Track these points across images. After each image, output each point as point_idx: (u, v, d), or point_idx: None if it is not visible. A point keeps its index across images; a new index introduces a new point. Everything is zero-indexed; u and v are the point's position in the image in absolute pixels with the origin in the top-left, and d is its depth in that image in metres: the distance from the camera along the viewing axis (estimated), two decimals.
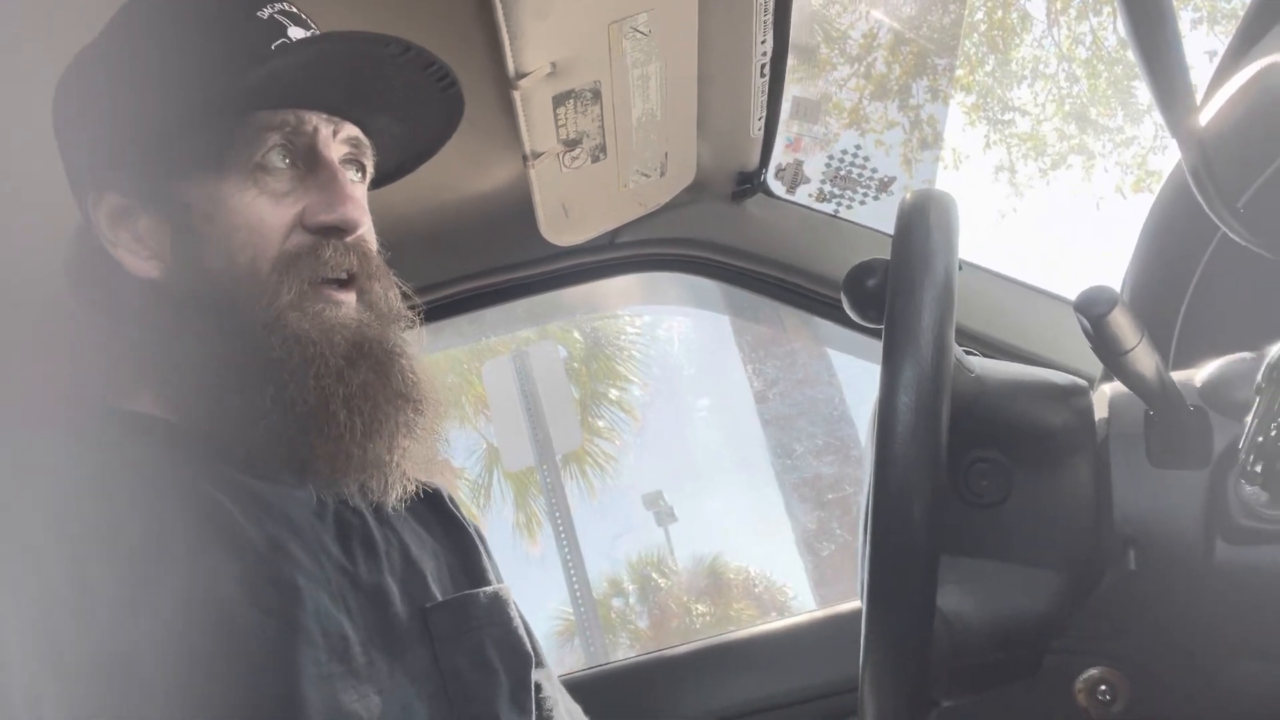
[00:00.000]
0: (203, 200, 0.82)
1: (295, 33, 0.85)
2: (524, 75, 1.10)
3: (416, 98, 0.90)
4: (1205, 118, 0.80)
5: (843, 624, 1.44)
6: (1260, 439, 0.60)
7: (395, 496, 0.85)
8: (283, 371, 0.80)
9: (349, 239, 0.85)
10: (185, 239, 0.83)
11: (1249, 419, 0.61)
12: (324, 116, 0.86)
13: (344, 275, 0.85)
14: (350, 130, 0.88)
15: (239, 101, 0.82)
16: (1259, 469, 0.60)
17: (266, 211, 0.83)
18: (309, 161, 0.85)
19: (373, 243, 0.90)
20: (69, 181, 0.88)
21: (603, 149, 1.30)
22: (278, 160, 0.83)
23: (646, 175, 1.41)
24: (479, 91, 1.18)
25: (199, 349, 0.81)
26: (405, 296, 0.91)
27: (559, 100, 1.19)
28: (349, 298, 0.85)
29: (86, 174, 0.86)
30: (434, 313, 1.54)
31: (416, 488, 0.90)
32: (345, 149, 0.88)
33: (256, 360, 0.80)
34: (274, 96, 0.83)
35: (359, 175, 0.90)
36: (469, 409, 9.27)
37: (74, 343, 0.85)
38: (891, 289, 0.62)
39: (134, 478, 0.76)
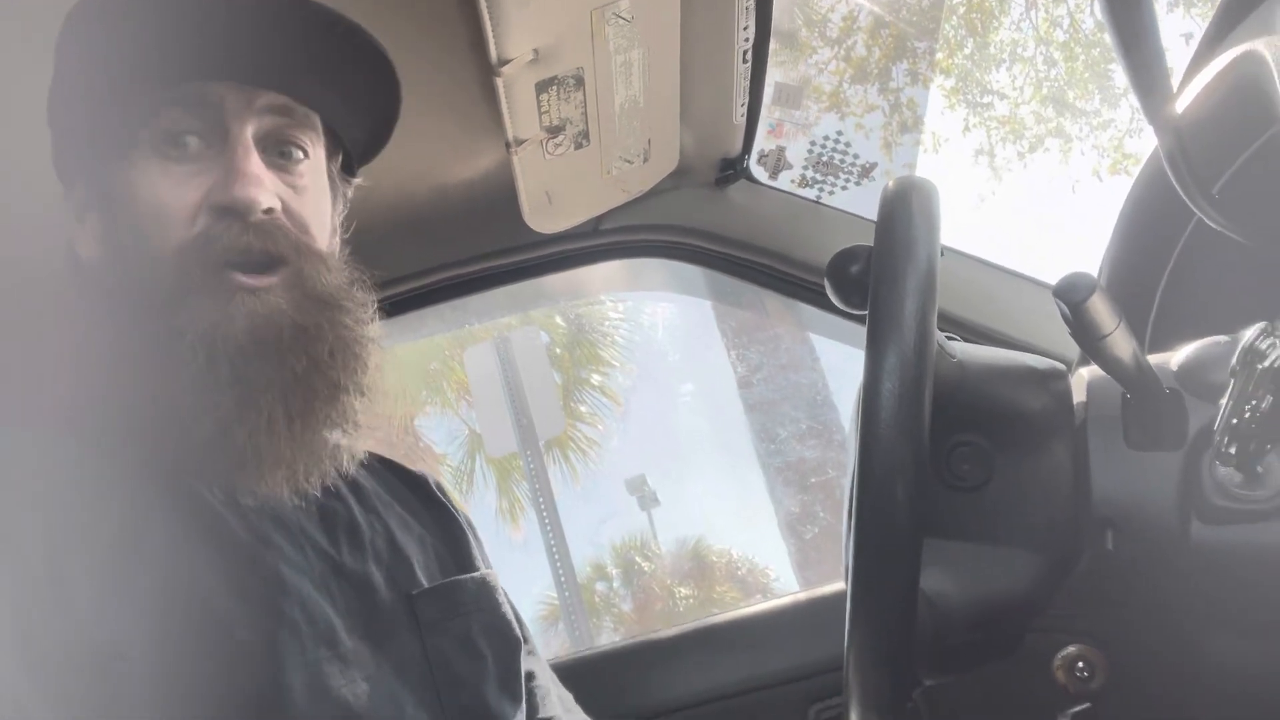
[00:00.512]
0: (118, 186, 0.80)
1: None
2: (506, 62, 1.10)
3: (324, 55, 0.83)
4: (1182, 104, 0.80)
5: (826, 605, 1.45)
6: (1234, 421, 0.61)
7: (290, 491, 0.79)
8: (179, 361, 0.76)
9: (252, 219, 0.78)
10: (109, 227, 0.82)
11: (1224, 401, 0.62)
12: (233, 85, 0.80)
13: (261, 258, 0.79)
14: (271, 98, 0.82)
15: (139, 79, 0.79)
16: (1233, 450, 0.62)
17: (168, 195, 0.78)
18: (220, 136, 0.80)
19: (304, 218, 0.83)
20: None
21: (586, 135, 1.29)
22: (184, 137, 0.79)
23: (630, 162, 1.40)
24: (461, 78, 1.17)
25: (125, 339, 0.78)
26: (367, 284, 0.86)
27: (542, 87, 1.18)
28: (266, 282, 0.79)
29: (63, 168, 0.87)
30: (417, 300, 1.53)
31: (365, 474, 0.88)
32: (270, 119, 0.82)
33: (161, 350, 0.76)
34: (170, 71, 0.79)
35: (295, 146, 0.84)
36: (451, 395, 9.24)
37: (68, 340, 0.84)
38: (875, 276, 0.62)
39: (113, 471, 0.76)
